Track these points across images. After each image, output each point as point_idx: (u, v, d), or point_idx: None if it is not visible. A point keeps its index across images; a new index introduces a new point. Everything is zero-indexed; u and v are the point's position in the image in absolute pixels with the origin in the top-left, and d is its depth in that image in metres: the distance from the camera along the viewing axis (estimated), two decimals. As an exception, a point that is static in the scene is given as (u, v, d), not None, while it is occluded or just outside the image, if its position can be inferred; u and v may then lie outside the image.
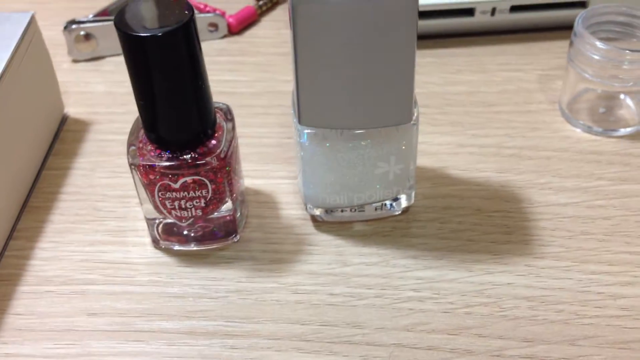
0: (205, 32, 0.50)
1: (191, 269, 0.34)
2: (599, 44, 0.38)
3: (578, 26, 0.39)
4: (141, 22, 0.29)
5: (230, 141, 0.33)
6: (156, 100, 0.31)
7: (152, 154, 0.32)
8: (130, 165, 0.32)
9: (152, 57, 0.29)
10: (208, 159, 0.32)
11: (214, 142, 0.32)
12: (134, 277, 0.34)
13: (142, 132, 0.32)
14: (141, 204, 0.34)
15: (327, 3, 0.27)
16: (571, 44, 0.39)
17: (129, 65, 0.30)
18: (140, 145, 0.32)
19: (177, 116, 0.31)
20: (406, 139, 0.33)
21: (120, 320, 0.32)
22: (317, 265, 0.34)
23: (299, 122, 0.32)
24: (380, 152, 0.33)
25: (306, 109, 0.31)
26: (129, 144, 0.32)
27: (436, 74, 0.46)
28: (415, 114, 0.32)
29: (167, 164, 0.31)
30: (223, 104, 0.34)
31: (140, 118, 0.32)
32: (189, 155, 0.32)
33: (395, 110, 0.31)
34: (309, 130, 0.32)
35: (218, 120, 0.33)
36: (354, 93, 0.30)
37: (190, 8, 0.29)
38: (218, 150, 0.32)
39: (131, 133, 0.33)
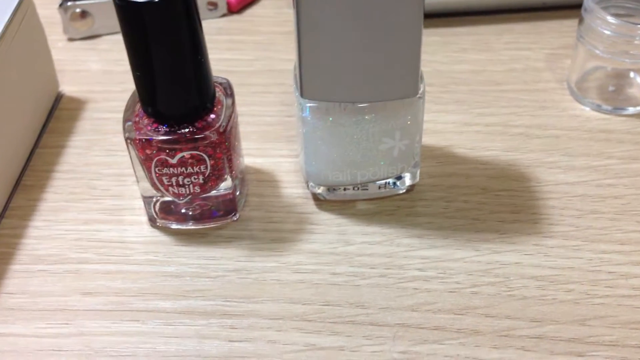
0: (205, 10, 0.48)
1: (189, 247, 0.33)
2: (610, 18, 0.37)
3: (588, 1, 0.38)
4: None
5: (230, 116, 0.32)
6: (153, 72, 0.29)
7: (149, 128, 0.31)
8: (127, 139, 0.31)
9: (150, 26, 0.28)
10: (207, 132, 0.31)
11: (213, 116, 0.31)
12: (130, 256, 0.33)
13: (138, 106, 0.31)
14: (137, 181, 0.33)
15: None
16: (581, 20, 0.38)
17: (125, 35, 0.29)
18: (137, 119, 0.31)
19: (175, 88, 0.30)
20: (412, 113, 0.32)
21: (115, 300, 0.31)
22: (319, 244, 0.33)
23: (301, 95, 0.31)
24: (385, 127, 0.32)
25: (309, 82, 0.30)
26: (125, 120, 0.31)
27: (441, 52, 0.44)
28: (422, 88, 0.31)
29: (165, 137, 0.30)
30: (223, 78, 0.33)
31: (136, 92, 0.31)
32: (187, 129, 0.31)
33: (401, 83, 0.30)
34: (311, 104, 0.31)
35: (218, 95, 0.32)
36: (358, 65, 0.29)
37: (188, -26, 0.28)
38: (217, 125, 0.31)
39: (127, 108, 0.32)
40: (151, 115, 0.31)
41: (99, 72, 0.44)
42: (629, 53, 0.37)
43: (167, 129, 0.31)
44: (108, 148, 0.38)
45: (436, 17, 0.47)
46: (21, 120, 0.38)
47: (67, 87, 0.43)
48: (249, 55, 0.45)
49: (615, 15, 0.37)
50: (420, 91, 0.31)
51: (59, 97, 0.42)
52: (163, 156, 0.31)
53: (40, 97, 0.40)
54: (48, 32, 0.41)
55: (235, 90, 0.34)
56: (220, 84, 0.33)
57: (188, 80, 0.30)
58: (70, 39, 0.47)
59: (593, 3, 0.37)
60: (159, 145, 0.31)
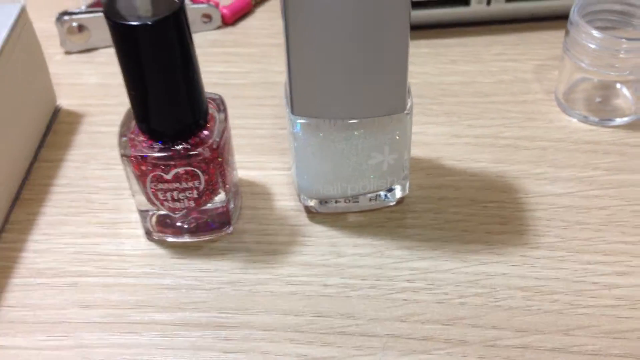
0: (199, 23, 0.49)
1: (184, 260, 0.34)
2: (595, 32, 0.37)
3: (574, 15, 0.38)
4: (131, 11, 0.28)
5: (223, 132, 0.32)
6: (147, 91, 0.30)
7: (144, 144, 0.32)
8: (122, 156, 0.32)
9: (143, 47, 0.29)
10: (200, 149, 0.31)
11: (206, 132, 0.32)
12: (127, 269, 0.34)
13: (133, 122, 0.32)
14: (133, 195, 0.34)
15: (319, -9, 0.27)
16: (567, 33, 0.39)
17: (119, 56, 0.30)
18: (132, 136, 0.32)
19: (169, 106, 0.31)
20: (400, 128, 0.32)
21: (113, 312, 0.32)
22: (311, 256, 0.34)
23: (292, 112, 0.32)
24: (374, 142, 0.33)
25: (299, 99, 0.31)
26: (121, 135, 0.32)
27: (431, 64, 0.45)
28: (409, 104, 0.32)
29: (159, 154, 0.31)
30: (216, 94, 0.34)
31: (131, 109, 0.32)
32: (181, 146, 0.31)
33: (388, 99, 0.31)
34: (302, 121, 0.32)
35: (210, 111, 0.33)
36: (347, 82, 0.30)
37: (181, -3, 0.29)
38: (210, 141, 0.32)
39: (123, 124, 0.33)
40: (146, 132, 0.32)
41: (96, 85, 0.45)
42: (614, 66, 0.38)
43: (162, 146, 0.31)
44: (105, 162, 0.39)
45: (426, 29, 0.47)
46: (20, 135, 0.38)
47: (65, 101, 0.44)
48: (243, 68, 0.46)
49: (600, 28, 0.38)
50: (407, 107, 0.32)
51: (56, 111, 0.43)
52: (158, 172, 0.32)
53: (38, 111, 0.41)
54: (45, 46, 0.42)
55: (230, 102, 0.34)
56: (213, 99, 0.34)
57: (181, 98, 0.31)
58: (67, 52, 0.48)
59: (578, 17, 0.38)
60: (154, 161, 0.31)
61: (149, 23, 0.28)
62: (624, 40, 0.37)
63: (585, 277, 0.32)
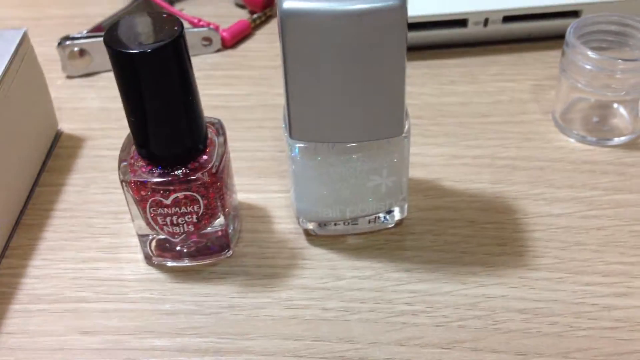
0: (199, 46, 0.50)
1: (184, 285, 0.34)
2: (590, 53, 0.38)
3: (570, 36, 0.39)
4: (131, 39, 0.29)
5: (222, 156, 0.33)
6: (147, 117, 0.31)
7: (144, 170, 0.32)
8: (122, 181, 0.32)
9: (142, 74, 0.29)
10: (199, 174, 0.32)
11: (205, 157, 0.32)
12: (127, 294, 0.34)
13: (133, 148, 0.32)
14: (133, 220, 0.34)
15: (316, 17, 0.27)
16: (563, 54, 0.39)
17: (119, 82, 0.30)
18: (132, 161, 0.32)
19: (168, 132, 0.31)
20: (398, 151, 0.33)
21: (112, 339, 0.32)
22: (310, 279, 0.34)
23: (290, 136, 0.32)
24: (372, 165, 0.33)
25: (297, 123, 0.31)
26: (121, 160, 0.32)
27: (430, 84, 0.46)
28: (407, 127, 0.32)
29: (159, 180, 0.31)
30: (215, 118, 0.34)
31: (131, 134, 0.32)
32: (180, 171, 0.32)
33: (386, 123, 0.31)
34: (300, 145, 0.32)
35: (210, 135, 0.33)
36: (345, 106, 0.30)
37: (181, 24, 0.29)
38: (209, 166, 0.32)
39: (123, 149, 0.33)
40: (145, 157, 0.32)
41: (97, 109, 0.45)
42: (610, 86, 0.38)
43: (161, 171, 0.32)
44: (105, 186, 0.39)
45: (425, 49, 0.48)
46: (21, 159, 0.39)
47: (66, 125, 0.44)
48: (243, 90, 0.46)
49: (596, 49, 0.39)
50: (405, 130, 0.32)
51: (58, 135, 0.43)
52: (157, 197, 0.32)
53: (39, 135, 0.41)
54: (47, 70, 0.42)
55: (229, 125, 0.35)
56: (212, 124, 0.34)
57: (180, 124, 0.31)
58: (69, 77, 0.48)
59: (574, 38, 0.39)
60: (153, 187, 0.32)
61: (148, 51, 0.28)
62: (620, 61, 0.37)
63: (584, 299, 0.32)
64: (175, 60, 0.29)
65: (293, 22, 0.28)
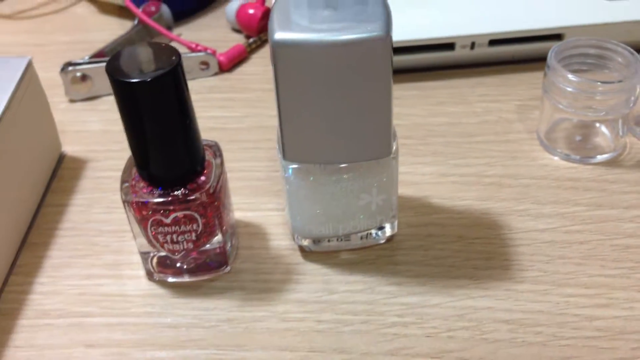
0: (197, 70, 0.51)
1: (184, 299, 0.35)
2: (570, 76, 0.39)
3: (551, 59, 0.41)
4: (131, 68, 0.30)
5: (219, 176, 0.34)
6: (147, 141, 0.32)
7: (145, 190, 0.33)
8: (124, 202, 0.33)
9: (142, 101, 0.31)
10: (197, 194, 0.33)
11: (203, 178, 0.34)
12: (129, 309, 0.35)
13: (134, 169, 0.34)
14: (135, 238, 0.35)
15: (305, 47, 0.29)
16: (545, 76, 0.41)
17: (121, 109, 0.31)
18: (133, 182, 0.34)
19: (167, 155, 0.33)
20: (387, 171, 0.34)
21: (116, 351, 0.33)
22: (305, 293, 0.35)
23: (284, 157, 0.33)
24: (362, 184, 0.34)
25: (290, 146, 0.33)
26: (123, 181, 0.34)
27: (419, 105, 0.47)
28: (394, 148, 0.34)
29: (159, 200, 0.33)
30: (212, 141, 0.36)
31: (132, 156, 0.34)
32: (180, 192, 0.33)
33: (374, 145, 0.33)
34: (293, 166, 0.34)
35: (207, 157, 0.35)
36: (335, 130, 0.32)
37: (178, 54, 0.31)
38: (207, 186, 0.34)
39: (124, 170, 0.34)
40: (146, 179, 0.33)
41: (99, 131, 0.47)
42: (591, 107, 0.40)
43: (161, 192, 0.33)
44: (108, 205, 0.41)
45: (414, 72, 0.50)
46: (26, 181, 0.40)
47: (69, 147, 0.46)
48: (239, 112, 0.48)
49: (577, 71, 0.40)
50: (393, 151, 0.34)
51: (61, 157, 0.45)
52: (158, 216, 0.33)
53: (44, 157, 0.43)
54: (50, 94, 0.44)
55: (226, 146, 0.36)
56: (210, 146, 0.36)
57: (179, 147, 0.33)
58: (72, 101, 0.50)
59: (555, 61, 0.40)
60: (154, 207, 0.33)
61: (147, 80, 0.30)
62: (599, 83, 0.39)
63: (567, 310, 0.34)
64: (173, 87, 0.31)
65: (284, 52, 0.29)
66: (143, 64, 0.31)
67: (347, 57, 0.29)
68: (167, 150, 0.32)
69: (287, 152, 0.33)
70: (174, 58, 0.30)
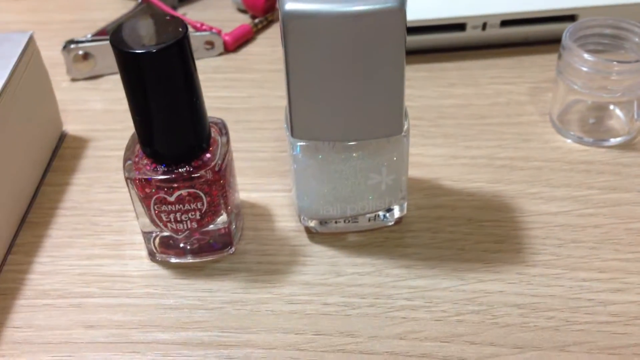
0: (202, 50, 0.50)
1: (187, 280, 0.35)
2: (586, 56, 0.38)
3: (566, 39, 0.39)
4: (136, 40, 0.29)
5: (225, 155, 0.33)
6: (151, 116, 0.31)
7: (148, 167, 0.32)
8: (127, 179, 0.33)
9: (147, 74, 0.30)
10: (202, 172, 0.32)
11: (208, 155, 0.33)
12: (131, 290, 0.34)
13: (138, 146, 0.33)
14: (137, 217, 0.34)
15: (317, 18, 0.28)
16: (560, 56, 0.40)
17: (125, 82, 0.31)
18: (137, 159, 0.33)
19: (172, 131, 0.32)
20: (397, 150, 0.33)
21: (116, 332, 0.32)
22: (311, 275, 0.35)
23: (292, 135, 0.32)
24: (372, 163, 0.33)
25: (298, 122, 0.32)
26: (125, 159, 0.33)
27: (430, 87, 0.46)
28: (406, 126, 0.33)
29: (163, 177, 0.32)
30: (218, 118, 0.35)
31: (136, 133, 0.33)
32: (184, 169, 0.32)
33: (385, 122, 0.32)
34: (301, 143, 0.33)
35: (213, 135, 0.34)
36: (345, 106, 0.31)
37: (185, 26, 0.30)
38: (212, 164, 0.33)
39: (127, 148, 0.33)
40: (150, 156, 0.32)
41: (101, 111, 0.46)
42: (606, 88, 0.39)
43: (165, 169, 0.32)
44: (110, 185, 0.40)
45: (425, 53, 0.49)
46: (27, 160, 0.39)
47: (71, 126, 0.45)
48: (244, 93, 0.47)
49: (592, 51, 0.39)
50: (404, 129, 0.33)
51: (62, 137, 0.44)
52: (161, 194, 0.33)
53: (44, 136, 0.42)
54: (52, 73, 0.43)
55: (232, 127, 0.35)
56: (216, 123, 0.35)
57: (184, 122, 0.32)
58: (74, 79, 0.49)
59: (570, 41, 0.39)
60: (158, 184, 0.32)
61: (153, 51, 0.29)
62: (615, 63, 0.38)
63: (580, 294, 0.33)
64: (179, 60, 0.30)
65: (295, 23, 0.28)
66: (148, 35, 0.30)
67: (360, 29, 0.28)
68: (172, 126, 0.31)
69: (295, 129, 0.32)
70: (180, 29, 0.29)
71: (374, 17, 0.28)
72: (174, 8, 0.55)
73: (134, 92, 0.31)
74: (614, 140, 0.41)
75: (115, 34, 0.30)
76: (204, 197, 0.33)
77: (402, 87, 0.31)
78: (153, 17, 0.32)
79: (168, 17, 0.31)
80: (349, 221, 0.36)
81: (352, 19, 0.28)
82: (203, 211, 0.33)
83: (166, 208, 0.33)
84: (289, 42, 0.29)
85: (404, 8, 0.28)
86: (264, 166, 0.41)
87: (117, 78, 0.30)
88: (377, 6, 0.28)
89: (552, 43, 0.48)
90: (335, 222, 0.36)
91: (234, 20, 0.53)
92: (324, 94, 0.31)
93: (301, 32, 0.29)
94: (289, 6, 0.28)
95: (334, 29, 0.28)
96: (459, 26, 0.47)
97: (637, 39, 0.40)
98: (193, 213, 0.33)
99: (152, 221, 0.34)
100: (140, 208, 0.34)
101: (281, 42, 0.29)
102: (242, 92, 0.47)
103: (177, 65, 0.30)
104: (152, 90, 0.30)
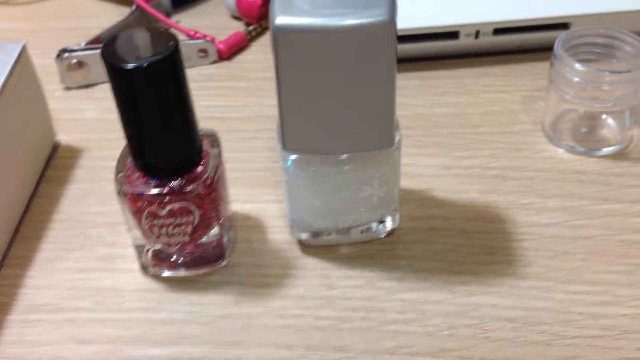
0: (196, 58, 0.50)
1: (179, 294, 0.35)
2: (578, 65, 0.38)
3: (558, 48, 0.39)
4: (128, 52, 0.29)
5: (217, 167, 0.33)
6: (143, 129, 0.31)
7: (140, 181, 0.32)
8: (118, 193, 0.33)
9: (138, 88, 0.30)
10: (194, 185, 0.32)
11: (200, 168, 0.33)
12: (123, 304, 0.34)
13: (129, 159, 0.33)
14: (129, 230, 0.34)
15: (308, 32, 0.28)
16: (552, 65, 0.40)
17: (116, 95, 0.31)
18: (128, 172, 0.33)
19: (164, 144, 0.32)
20: (389, 163, 0.33)
21: (108, 348, 0.32)
22: (303, 288, 0.35)
23: (284, 147, 0.32)
24: (364, 176, 0.33)
25: (290, 135, 0.32)
26: (117, 171, 0.33)
27: (422, 96, 0.46)
28: (397, 138, 0.33)
29: (154, 191, 0.32)
30: (210, 130, 0.35)
31: (128, 145, 0.33)
32: (176, 182, 0.32)
33: (376, 135, 0.32)
34: (293, 156, 0.33)
35: (204, 147, 0.34)
36: (337, 119, 0.31)
37: (175, 39, 0.30)
38: (204, 177, 0.33)
39: (119, 160, 0.33)
40: (142, 169, 0.32)
41: (95, 120, 0.46)
42: (598, 98, 0.39)
43: (157, 182, 0.32)
44: (102, 196, 0.40)
45: (417, 61, 0.48)
46: (19, 170, 0.39)
47: (64, 136, 0.45)
48: (238, 101, 0.47)
49: (584, 61, 0.39)
50: (395, 142, 0.33)
51: (55, 146, 0.44)
52: (153, 208, 0.33)
53: (37, 146, 0.42)
54: (46, 82, 0.43)
55: (225, 136, 0.35)
56: (208, 136, 0.35)
57: (176, 136, 0.32)
58: (67, 88, 0.49)
59: (562, 50, 0.39)
60: (149, 198, 0.32)
61: (143, 65, 0.29)
62: (607, 72, 0.38)
63: (571, 308, 0.33)
64: (170, 74, 0.30)
65: (285, 37, 0.28)
66: (139, 49, 0.30)
67: (350, 42, 0.28)
68: (163, 139, 0.31)
69: (287, 142, 0.32)
70: (171, 43, 0.29)
71: (364, 31, 0.28)
72: (168, 15, 0.55)
73: (125, 106, 0.31)
74: (606, 150, 0.41)
75: (106, 47, 0.30)
76: (195, 210, 0.33)
77: (394, 100, 0.31)
78: (146, 29, 0.32)
79: (161, 30, 0.31)
80: (341, 233, 0.36)
81: (342, 33, 0.28)
82: (195, 224, 0.33)
83: (158, 222, 0.33)
84: (280, 56, 0.29)
85: (394, 21, 0.28)
86: (257, 177, 0.41)
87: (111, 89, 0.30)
88: (367, 20, 0.28)
89: (545, 51, 0.47)
90: (328, 234, 0.36)
91: (228, 28, 0.53)
92: (316, 106, 0.31)
93: (292, 46, 0.29)
94: (280, 20, 0.28)
95: (324, 43, 0.28)
96: (452, 34, 0.47)
97: (629, 49, 0.40)
98: (185, 226, 0.33)
99: (144, 235, 0.34)
100: (132, 221, 0.34)
101: (273, 56, 0.29)
102: (236, 101, 0.47)
103: (167, 79, 0.30)
104: (143, 104, 0.30)
